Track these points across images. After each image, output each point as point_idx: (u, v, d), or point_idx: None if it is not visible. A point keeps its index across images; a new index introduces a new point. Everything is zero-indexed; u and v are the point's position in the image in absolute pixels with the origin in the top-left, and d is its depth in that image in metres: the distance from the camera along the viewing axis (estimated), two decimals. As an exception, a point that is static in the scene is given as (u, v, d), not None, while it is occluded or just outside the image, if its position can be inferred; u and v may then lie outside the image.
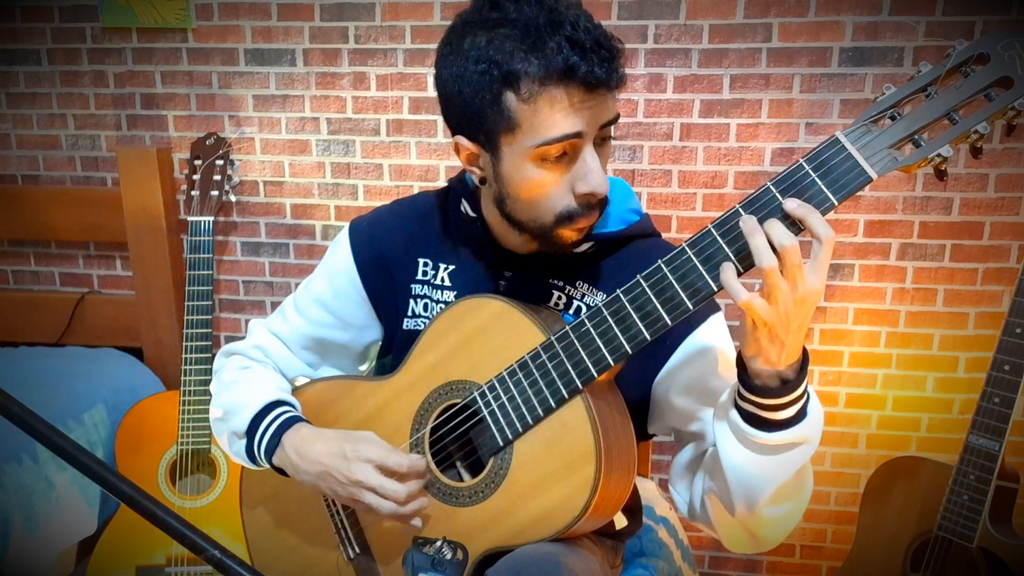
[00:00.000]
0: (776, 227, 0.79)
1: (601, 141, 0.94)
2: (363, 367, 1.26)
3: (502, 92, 0.88)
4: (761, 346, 0.82)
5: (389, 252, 1.14)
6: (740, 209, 0.82)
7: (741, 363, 0.87)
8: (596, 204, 0.95)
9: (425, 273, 1.13)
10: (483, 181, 0.99)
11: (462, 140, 0.97)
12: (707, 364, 1.00)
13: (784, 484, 0.89)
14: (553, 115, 0.87)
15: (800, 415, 0.86)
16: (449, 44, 0.93)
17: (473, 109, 0.91)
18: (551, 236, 0.97)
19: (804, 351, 0.86)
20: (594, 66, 0.85)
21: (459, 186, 1.12)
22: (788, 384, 0.84)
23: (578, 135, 0.89)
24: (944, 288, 1.83)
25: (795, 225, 0.79)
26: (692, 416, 1.01)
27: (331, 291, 1.17)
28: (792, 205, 0.79)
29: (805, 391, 0.86)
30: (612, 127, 0.93)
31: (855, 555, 1.73)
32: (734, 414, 0.88)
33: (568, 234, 0.97)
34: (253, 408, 1.11)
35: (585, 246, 1.04)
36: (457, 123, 0.97)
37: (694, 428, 1.02)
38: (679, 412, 1.02)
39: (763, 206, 0.81)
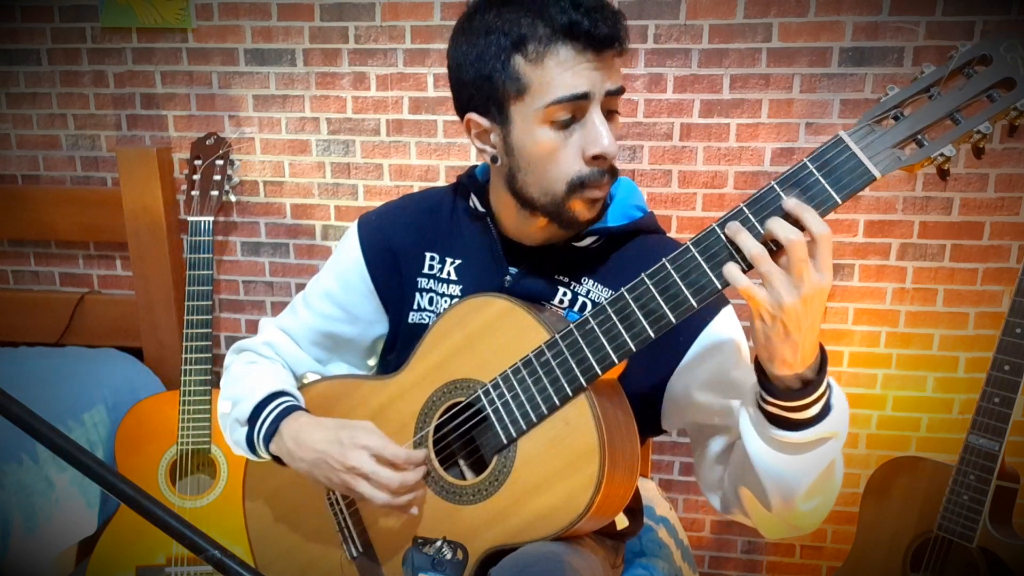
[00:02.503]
0: (779, 223, 0.79)
1: (608, 115, 0.95)
2: (371, 362, 1.26)
3: (511, 56, 0.92)
4: (775, 347, 0.82)
5: (397, 245, 1.15)
6: (744, 208, 0.82)
7: (760, 368, 0.86)
8: (607, 170, 0.96)
9: (432, 267, 1.13)
10: (494, 159, 1.01)
11: (473, 116, 0.99)
12: (725, 356, 1.00)
13: (818, 478, 0.89)
14: (561, 74, 0.91)
15: (825, 410, 0.86)
16: (460, 28, 0.98)
17: (483, 78, 0.95)
18: (564, 210, 0.97)
19: (822, 349, 0.85)
20: (597, 22, 0.89)
21: (469, 181, 1.13)
22: (809, 385, 0.84)
23: (585, 96, 0.91)
24: (944, 288, 1.84)
25: (796, 224, 0.79)
26: (716, 410, 1.00)
27: (339, 284, 1.18)
28: (791, 203, 0.80)
29: (828, 387, 0.86)
30: (618, 100, 0.96)
31: (855, 555, 1.73)
32: (759, 416, 0.88)
33: (581, 207, 0.97)
34: (256, 397, 1.12)
35: (589, 240, 1.05)
36: (468, 99, 0.99)
37: (719, 421, 1.01)
38: (702, 407, 1.01)
39: (767, 205, 0.81)
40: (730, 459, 1.00)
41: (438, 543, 1.01)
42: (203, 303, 1.81)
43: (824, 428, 0.86)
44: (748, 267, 0.82)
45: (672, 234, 1.90)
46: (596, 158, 0.94)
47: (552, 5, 0.90)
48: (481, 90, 0.96)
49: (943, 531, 1.57)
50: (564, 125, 0.93)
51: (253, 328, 2.13)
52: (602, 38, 0.90)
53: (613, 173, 0.98)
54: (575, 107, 0.92)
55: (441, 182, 1.98)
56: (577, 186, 0.95)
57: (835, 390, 0.88)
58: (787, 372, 0.83)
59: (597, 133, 0.93)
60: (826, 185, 0.79)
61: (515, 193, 1.00)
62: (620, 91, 0.95)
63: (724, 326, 1.01)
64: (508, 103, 0.94)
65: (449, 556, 1.00)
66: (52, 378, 1.91)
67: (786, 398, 0.84)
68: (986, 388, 1.52)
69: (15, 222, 2.11)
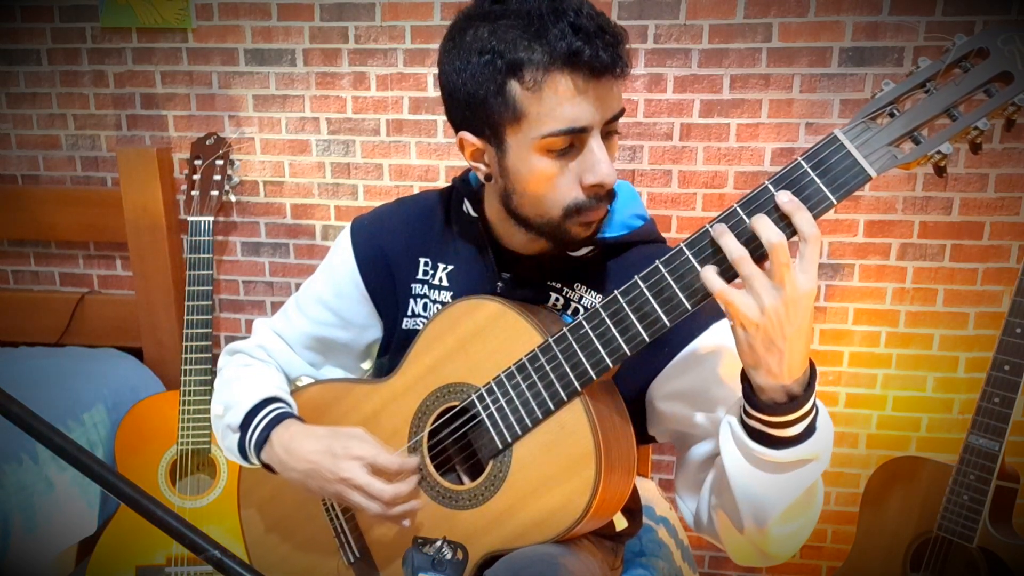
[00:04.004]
0: (764, 223, 0.77)
1: (607, 135, 0.93)
2: (366, 365, 1.26)
3: (506, 81, 0.88)
4: (758, 355, 0.80)
5: (390, 250, 1.14)
6: (738, 208, 0.81)
7: (746, 378, 0.84)
8: (604, 196, 0.94)
9: (425, 273, 1.13)
10: (488, 177, 0.98)
11: (467, 135, 0.96)
12: (708, 371, 0.97)
13: (795, 502, 0.86)
14: (559, 103, 0.87)
15: (809, 431, 0.83)
16: (452, 39, 0.93)
17: (477, 100, 0.91)
18: (560, 231, 0.95)
19: (812, 366, 0.83)
20: (599, 50, 0.85)
21: (462, 185, 1.11)
22: (796, 400, 0.81)
23: (584, 130, 0.88)
24: (944, 288, 1.83)
25: (789, 227, 0.78)
26: (695, 423, 0.98)
27: (332, 290, 1.17)
28: (784, 199, 0.78)
29: (814, 406, 0.83)
30: (617, 122, 0.92)
31: (855, 555, 1.72)
32: (740, 431, 0.85)
33: (577, 229, 0.95)
34: (248, 403, 1.11)
35: (586, 250, 1.03)
36: (461, 118, 0.96)
37: (698, 433, 0.99)
38: (678, 418, 0.99)
39: (761, 205, 0.80)
40: (708, 479, 0.96)
41: (438, 543, 1.01)
42: (203, 303, 1.81)
43: (806, 449, 0.83)
44: (734, 273, 0.81)
45: (672, 234, 1.90)
46: (594, 186, 0.91)
47: (551, 28, 0.85)
48: (474, 112, 0.92)
49: (943, 531, 1.57)
50: (561, 153, 0.90)
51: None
52: (603, 67, 0.86)
53: (611, 196, 0.95)
54: (573, 138, 0.89)
55: (441, 182, 1.98)
56: (573, 212, 0.93)
57: (822, 413, 0.85)
58: (772, 382, 0.80)
59: (595, 161, 0.90)
60: (821, 185, 0.78)
61: (510, 211, 0.98)
62: (620, 114, 0.92)
63: (712, 340, 0.98)
64: (503, 128, 0.91)
65: (449, 556, 1.00)
66: (52, 378, 1.92)
67: (770, 412, 0.82)
68: (986, 388, 1.52)
69: (15, 222, 2.11)
